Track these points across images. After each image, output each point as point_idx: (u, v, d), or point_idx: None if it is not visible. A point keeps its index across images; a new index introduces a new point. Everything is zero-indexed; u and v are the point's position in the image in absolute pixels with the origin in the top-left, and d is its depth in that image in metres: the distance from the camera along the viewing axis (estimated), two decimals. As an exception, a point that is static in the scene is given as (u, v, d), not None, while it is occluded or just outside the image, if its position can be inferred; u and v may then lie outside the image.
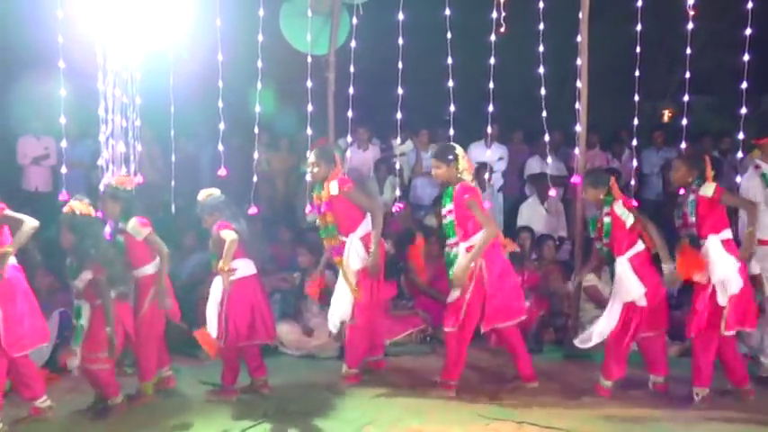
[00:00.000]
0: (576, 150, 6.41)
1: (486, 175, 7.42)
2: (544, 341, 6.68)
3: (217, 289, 5.18)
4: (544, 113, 6.31)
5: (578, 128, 6.40)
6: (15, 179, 8.53)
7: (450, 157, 5.33)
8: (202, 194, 5.38)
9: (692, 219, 5.22)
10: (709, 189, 5.13)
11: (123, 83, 5.59)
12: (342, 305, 5.55)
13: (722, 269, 5.05)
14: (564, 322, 6.78)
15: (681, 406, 5.21)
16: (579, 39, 6.31)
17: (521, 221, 8.22)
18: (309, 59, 6.31)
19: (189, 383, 5.65)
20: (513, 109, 6.79)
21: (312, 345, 6.46)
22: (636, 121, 6.54)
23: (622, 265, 5.25)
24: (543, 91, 6.24)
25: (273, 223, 7.86)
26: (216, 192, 5.38)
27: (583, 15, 6.31)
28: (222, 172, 5.74)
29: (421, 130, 8.97)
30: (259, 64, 6.00)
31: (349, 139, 6.79)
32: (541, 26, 6.17)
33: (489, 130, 6.82)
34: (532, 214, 8.29)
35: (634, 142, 6.80)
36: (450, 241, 5.41)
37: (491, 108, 6.34)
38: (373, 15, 6.68)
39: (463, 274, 5.22)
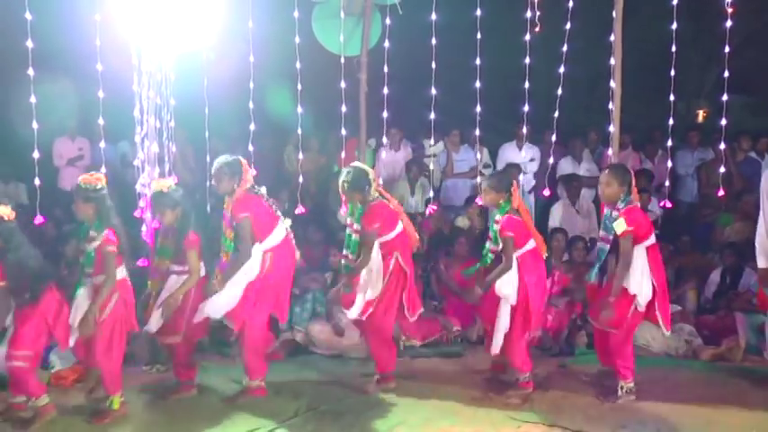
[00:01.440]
0: (609, 151, 6.33)
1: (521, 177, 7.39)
2: (576, 344, 6.61)
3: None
4: (556, 113, 6.26)
5: (611, 128, 6.33)
6: (52, 179, 8.68)
7: (506, 192, 5.36)
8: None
9: (607, 235, 5.31)
10: (619, 227, 5.11)
11: (158, 85, 5.67)
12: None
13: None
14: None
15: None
16: (613, 38, 6.25)
17: (552, 223, 8.17)
18: (342, 60, 6.34)
19: (221, 381, 5.68)
20: (544, 109, 6.73)
21: (343, 344, 6.47)
22: (671, 121, 6.44)
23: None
24: (572, 91, 6.20)
25: (304, 223, 7.90)
26: (173, 183, 5.27)
27: (617, 14, 6.25)
28: (252, 172, 5.79)
29: (452, 130, 8.95)
30: (297, 65, 6.04)
31: (384, 139, 6.82)
32: (568, 26, 6.12)
33: (525, 130, 6.77)
34: (564, 215, 8.22)
35: (669, 143, 6.70)
36: (494, 247, 5.49)
37: (526, 108, 6.30)
38: (404, 16, 6.68)
39: (488, 284, 5.34)
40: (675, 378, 5.83)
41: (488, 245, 5.57)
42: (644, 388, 5.47)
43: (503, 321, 5.34)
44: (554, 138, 6.65)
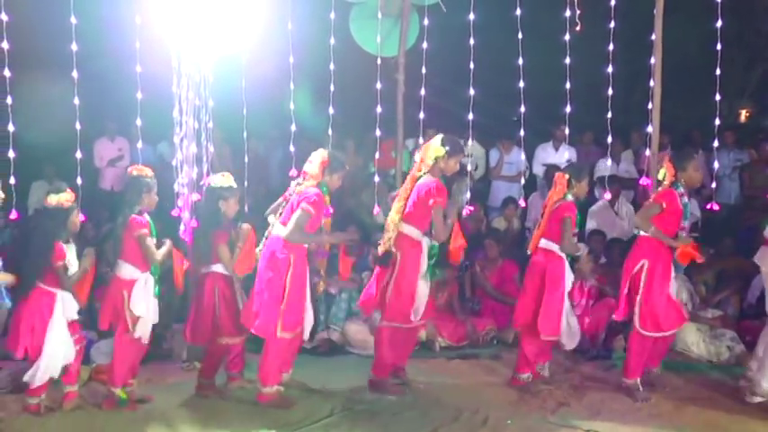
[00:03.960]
0: (648, 152, 6.23)
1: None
2: (613, 348, 6.52)
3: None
4: (609, 114, 6.17)
5: (650, 128, 6.23)
6: (94, 179, 8.83)
7: (573, 181, 5.47)
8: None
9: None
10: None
11: (196, 86, 5.73)
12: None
13: None
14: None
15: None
16: (653, 36, 6.14)
17: (590, 225, 8.06)
18: (379, 61, 6.34)
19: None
20: (582, 109, 6.65)
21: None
22: (717, 121, 6.30)
23: None
24: (612, 91, 6.10)
25: (342, 223, 7.91)
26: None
27: (657, 11, 6.15)
28: (293, 172, 5.83)
29: (505, 132, 8.92)
30: (331, 66, 6.06)
31: (421, 140, 6.82)
32: (612, 24, 6.04)
33: (567, 131, 6.69)
34: (602, 217, 8.11)
35: (715, 144, 6.54)
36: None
37: (568, 109, 6.22)
38: (442, 16, 6.66)
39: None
40: (717, 385, 5.73)
41: None
42: (684, 395, 5.39)
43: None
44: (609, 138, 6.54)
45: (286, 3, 5.79)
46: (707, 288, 7.06)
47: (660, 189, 5.47)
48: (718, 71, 6.02)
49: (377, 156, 6.50)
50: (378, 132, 6.33)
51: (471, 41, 6.10)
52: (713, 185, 6.57)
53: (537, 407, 5.26)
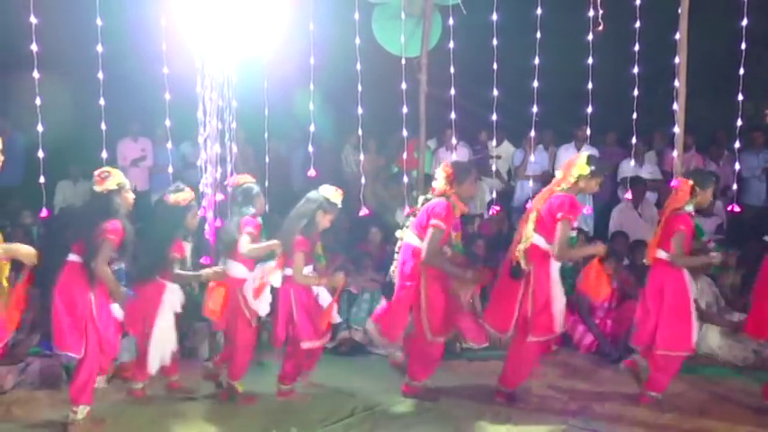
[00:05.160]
0: (674, 153, 6.18)
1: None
2: (635, 350, 6.45)
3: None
4: (634, 115, 6.13)
5: (675, 129, 6.18)
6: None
7: (698, 188, 5.18)
8: (243, 179, 5.44)
9: None
10: None
11: (220, 87, 5.77)
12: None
13: None
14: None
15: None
16: (678, 35, 6.09)
17: (613, 226, 8.01)
18: (403, 62, 6.35)
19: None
20: (605, 110, 6.60)
21: (401, 344, 6.48)
22: (740, 122, 6.24)
23: None
24: (636, 91, 6.06)
25: (365, 224, 7.93)
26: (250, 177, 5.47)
27: (682, 11, 6.09)
28: (312, 173, 5.86)
29: (528, 132, 8.89)
30: (358, 66, 6.07)
31: (454, 140, 6.82)
32: (637, 24, 6.00)
33: (588, 131, 6.66)
34: (625, 219, 8.05)
35: (737, 144, 6.49)
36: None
37: (589, 109, 6.19)
38: (464, 16, 6.64)
39: None
40: (742, 390, 5.66)
41: None
42: (708, 399, 5.34)
43: None
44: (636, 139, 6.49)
45: (308, 4, 5.81)
46: (732, 290, 6.97)
47: (674, 214, 5.18)
48: (741, 71, 5.96)
49: (403, 156, 6.50)
50: (403, 132, 6.34)
51: (494, 42, 6.09)
52: (734, 187, 6.50)
53: (558, 410, 5.23)
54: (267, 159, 6.24)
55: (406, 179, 6.64)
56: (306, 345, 5.16)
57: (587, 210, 5.61)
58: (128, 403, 5.26)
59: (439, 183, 5.20)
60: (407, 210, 5.99)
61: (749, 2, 5.84)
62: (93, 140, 5.61)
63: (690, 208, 5.17)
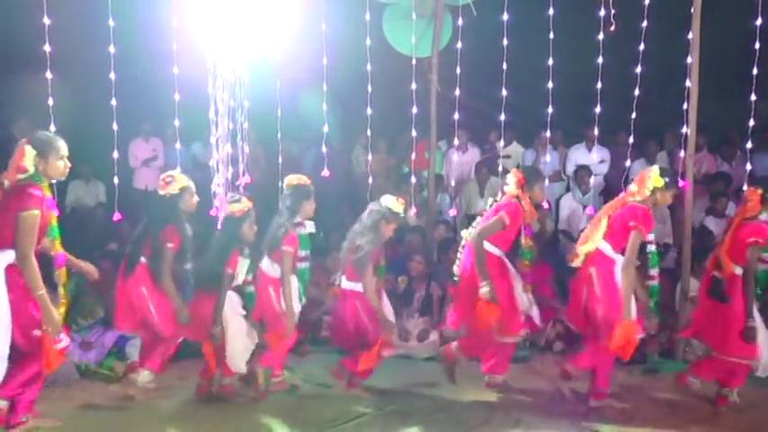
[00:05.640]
0: (683, 153, 6.15)
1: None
2: (648, 352, 6.43)
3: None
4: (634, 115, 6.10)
5: (686, 129, 6.15)
6: (128, 179, 8.96)
7: None
8: (297, 179, 5.48)
9: None
10: None
11: (231, 87, 5.78)
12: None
13: None
14: (669, 333, 6.50)
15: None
16: (690, 35, 6.06)
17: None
18: (414, 62, 6.35)
19: (294, 378, 5.78)
20: (616, 110, 6.58)
21: (409, 344, 6.49)
22: (752, 122, 6.20)
23: None
24: (645, 91, 6.05)
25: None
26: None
27: (695, 10, 6.06)
28: (326, 173, 5.87)
29: (541, 132, 8.87)
30: (368, 67, 6.09)
31: (457, 141, 6.82)
32: (644, 24, 5.98)
33: (597, 131, 6.64)
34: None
35: (749, 144, 6.45)
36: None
37: (598, 109, 6.17)
38: (475, 16, 6.64)
39: None
40: (757, 388, 5.58)
41: None
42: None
43: None
44: (631, 139, 6.48)
45: (319, 4, 5.82)
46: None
47: (749, 223, 5.10)
48: (755, 70, 5.92)
49: (413, 157, 6.50)
50: (414, 133, 6.34)
51: (505, 42, 6.08)
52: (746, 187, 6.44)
53: (569, 411, 5.21)
54: (279, 160, 6.25)
55: (414, 179, 6.63)
56: (386, 352, 5.36)
57: (590, 210, 5.62)
58: (145, 400, 5.32)
59: (510, 187, 5.32)
60: (414, 210, 5.99)
61: (763, 1, 5.80)
62: (104, 140, 5.63)
63: (764, 216, 5.10)
